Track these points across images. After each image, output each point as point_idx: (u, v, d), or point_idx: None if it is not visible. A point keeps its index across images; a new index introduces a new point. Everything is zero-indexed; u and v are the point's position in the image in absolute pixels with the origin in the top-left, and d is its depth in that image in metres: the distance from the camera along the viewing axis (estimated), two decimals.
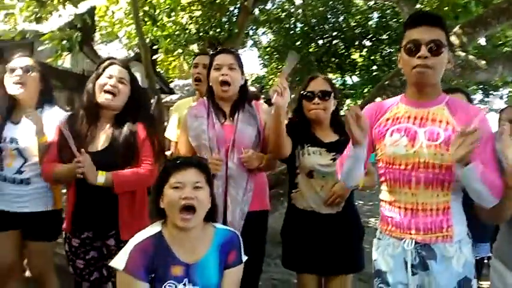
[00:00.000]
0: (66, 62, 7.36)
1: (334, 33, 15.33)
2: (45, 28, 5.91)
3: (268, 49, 15.95)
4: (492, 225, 2.29)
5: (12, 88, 2.37)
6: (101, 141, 2.21)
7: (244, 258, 1.94)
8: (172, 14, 6.83)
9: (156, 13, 6.35)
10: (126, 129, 2.20)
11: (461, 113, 1.70)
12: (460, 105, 1.76)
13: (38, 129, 2.28)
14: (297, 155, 2.35)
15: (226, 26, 9.07)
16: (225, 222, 2.19)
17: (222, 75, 2.30)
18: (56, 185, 2.47)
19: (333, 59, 16.15)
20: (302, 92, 2.39)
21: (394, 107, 1.83)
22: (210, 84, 2.39)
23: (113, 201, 2.18)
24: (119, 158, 2.16)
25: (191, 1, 9.09)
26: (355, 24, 14.55)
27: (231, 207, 2.24)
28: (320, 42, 15.79)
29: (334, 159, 2.25)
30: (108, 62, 2.31)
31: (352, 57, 16.05)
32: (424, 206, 1.70)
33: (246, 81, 2.46)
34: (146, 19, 6.13)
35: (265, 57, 16.54)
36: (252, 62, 45.83)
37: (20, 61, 2.40)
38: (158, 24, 6.74)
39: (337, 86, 18.39)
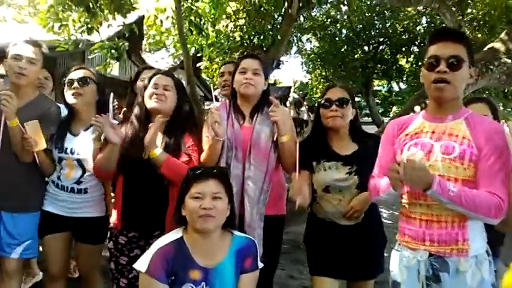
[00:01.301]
0: (114, 70, 7.65)
1: (381, 39, 15.08)
2: (95, 38, 6.16)
3: (312, 56, 15.89)
4: None
5: (70, 99, 2.49)
6: None
7: (260, 265, 2.01)
8: (216, 22, 6.91)
9: (201, 22, 6.46)
10: (176, 137, 2.31)
11: (479, 128, 1.70)
12: (480, 120, 1.75)
13: (98, 135, 2.40)
14: (314, 170, 2.34)
15: (270, 33, 9.08)
16: (241, 223, 2.24)
17: (246, 78, 2.39)
18: (108, 186, 2.58)
19: (379, 66, 15.86)
20: (320, 101, 2.40)
21: (415, 122, 1.86)
22: (234, 86, 2.48)
23: (160, 204, 2.27)
24: None
25: (236, 9, 9.24)
26: (402, 29, 14.23)
27: (249, 207, 2.29)
28: (366, 48, 15.57)
29: (350, 173, 2.25)
30: (153, 72, 2.45)
31: (399, 63, 15.70)
32: (438, 218, 1.71)
33: (268, 86, 2.53)
34: (192, 28, 6.25)
35: (309, 64, 16.49)
36: (295, 69, 46.02)
37: (77, 73, 2.52)
38: (203, 33, 6.86)
39: (383, 93, 18.03)
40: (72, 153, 2.47)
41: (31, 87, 2.51)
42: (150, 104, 2.33)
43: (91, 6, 5.17)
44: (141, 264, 1.84)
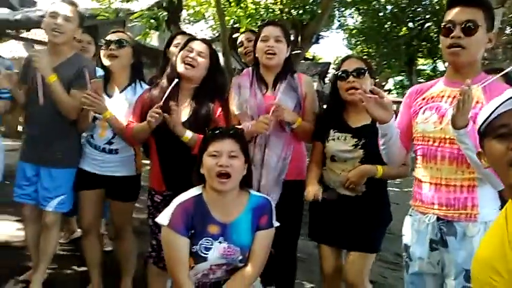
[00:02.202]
0: (153, 40, 7.77)
1: (427, 16, 14.49)
2: (136, 7, 6.26)
3: (354, 31, 15.50)
4: None
5: (106, 60, 2.57)
6: (182, 113, 2.34)
7: (276, 224, 2.06)
8: None
9: None
10: (205, 104, 2.33)
11: (494, 92, 1.64)
12: (496, 86, 1.70)
13: (101, 107, 2.42)
14: (325, 139, 2.35)
15: (310, 7, 8.93)
16: (258, 189, 2.30)
17: (268, 46, 2.39)
18: (138, 148, 2.68)
19: (424, 44, 15.30)
20: (336, 72, 2.36)
21: (434, 87, 1.85)
22: (256, 55, 2.48)
23: (192, 164, 2.30)
24: (198, 131, 2.28)
25: None
26: None
27: (265, 173, 2.36)
28: (411, 25, 15.01)
29: (356, 146, 2.23)
30: (184, 39, 2.46)
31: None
32: (447, 182, 1.71)
33: (290, 53, 2.51)
34: (231, 0, 6.24)
35: (351, 40, 16.11)
36: (337, 45, 45.17)
37: (114, 35, 2.59)
38: (241, 5, 6.83)
39: (427, 72, 17.45)
40: None
41: (68, 46, 2.57)
42: (180, 68, 2.33)
43: None
44: (163, 218, 1.93)
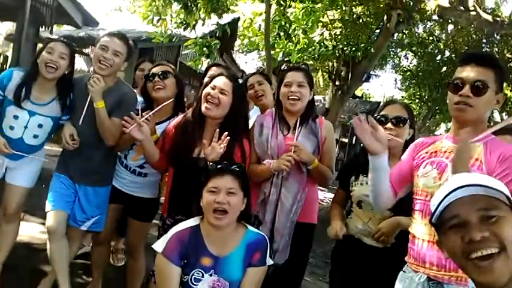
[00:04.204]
0: (205, 66, 7.97)
1: None
2: (191, 34, 6.48)
3: (407, 73, 15.24)
4: None
5: (152, 91, 2.69)
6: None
7: (269, 262, 2.05)
8: (309, 31, 6.88)
9: (291, 28, 6.50)
10: (227, 146, 2.29)
11: (495, 151, 1.64)
12: (499, 146, 1.67)
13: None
14: (351, 183, 2.30)
15: (363, 45, 8.89)
16: (272, 228, 2.33)
17: (292, 92, 2.41)
18: (163, 176, 2.77)
19: None
20: (375, 115, 2.27)
21: (438, 142, 1.84)
22: (280, 98, 2.50)
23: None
24: None
25: (333, 19, 9.17)
26: (510, 56, 13.09)
27: (281, 214, 2.35)
28: None
29: None
30: (217, 72, 2.49)
31: (504, 92, 14.44)
32: None
33: (313, 97, 2.53)
34: (281, 33, 6.32)
35: (404, 81, 15.84)
36: (388, 85, 45.22)
37: (158, 68, 2.73)
38: (293, 39, 6.88)
39: None
40: None
41: (112, 76, 2.65)
42: (203, 106, 2.34)
43: (189, 4, 5.46)
44: (159, 245, 1.97)
